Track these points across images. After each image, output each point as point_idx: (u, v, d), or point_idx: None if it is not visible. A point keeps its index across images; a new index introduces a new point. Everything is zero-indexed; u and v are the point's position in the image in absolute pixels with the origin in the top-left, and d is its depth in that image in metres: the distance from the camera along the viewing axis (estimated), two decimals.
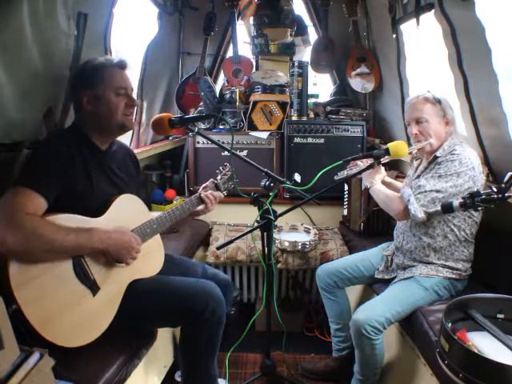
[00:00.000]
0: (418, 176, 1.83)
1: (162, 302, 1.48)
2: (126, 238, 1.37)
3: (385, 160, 1.86)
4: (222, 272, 1.88)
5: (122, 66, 1.50)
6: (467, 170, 1.64)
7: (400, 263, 1.89)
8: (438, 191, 1.65)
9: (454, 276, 1.74)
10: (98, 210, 1.39)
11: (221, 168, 1.88)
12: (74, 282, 1.27)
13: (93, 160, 1.46)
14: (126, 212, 1.48)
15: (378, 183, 1.89)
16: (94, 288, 1.31)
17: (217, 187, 1.80)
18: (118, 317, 1.37)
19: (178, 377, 1.95)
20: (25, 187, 1.22)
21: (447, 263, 1.75)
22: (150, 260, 1.56)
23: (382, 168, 1.93)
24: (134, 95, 1.57)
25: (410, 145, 1.78)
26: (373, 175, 1.89)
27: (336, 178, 1.98)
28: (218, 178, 1.84)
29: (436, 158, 1.74)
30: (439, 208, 1.60)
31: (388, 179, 2.10)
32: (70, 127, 1.54)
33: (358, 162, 1.96)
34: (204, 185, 1.80)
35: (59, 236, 1.20)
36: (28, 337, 1.12)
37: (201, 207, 1.74)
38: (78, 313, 1.26)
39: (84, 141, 1.47)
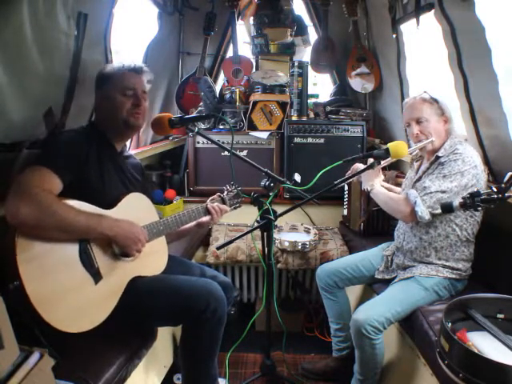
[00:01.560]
0: (420, 177, 1.83)
1: (164, 300, 1.48)
2: (134, 230, 1.39)
3: (384, 164, 1.86)
4: (221, 274, 1.88)
5: (135, 70, 1.57)
6: (470, 169, 1.65)
7: (400, 263, 1.89)
8: (443, 192, 1.65)
9: (454, 276, 1.74)
10: (107, 205, 1.42)
11: (227, 185, 1.90)
12: (78, 267, 1.28)
13: (108, 157, 1.51)
14: (135, 209, 1.51)
15: (378, 186, 1.89)
16: (96, 276, 1.33)
17: (223, 202, 1.83)
18: (120, 314, 1.37)
19: (176, 380, 1.95)
20: (43, 166, 1.27)
21: (448, 263, 1.75)
22: (153, 260, 1.58)
23: (380, 168, 1.91)
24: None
25: (409, 146, 1.78)
26: (373, 178, 1.88)
27: (335, 183, 1.96)
28: (225, 193, 1.86)
29: (438, 158, 1.75)
30: None
31: (386, 185, 2.09)
32: (88, 125, 1.60)
33: (357, 166, 1.95)
34: (211, 197, 1.82)
35: (71, 214, 1.24)
36: (25, 316, 1.12)
37: (206, 218, 1.77)
38: (77, 298, 1.27)
39: (102, 139, 1.53)
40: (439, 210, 1.64)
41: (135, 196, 1.55)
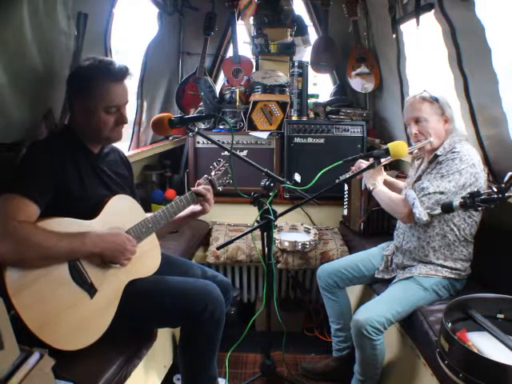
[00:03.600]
0: (420, 176, 1.83)
1: (161, 302, 1.48)
2: (119, 240, 1.35)
3: (385, 162, 1.86)
4: (221, 274, 1.86)
5: (118, 78, 1.41)
6: (468, 168, 1.64)
7: (399, 263, 1.89)
8: (441, 193, 1.65)
9: (453, 276, 1.74)
10: (92, 212, 1.37)
11: (214, 164, 1.85)
12: (71, 286, 1.26)
13: (85, 162, 1.44)
14: (121, 212, 1.47)
15: (380, 185, 1.88)
16: (91, 290, 1.31)
17: (211, 183, 1.78)
18: (118, 318, 1.36)
19: (176, 380, 1.95)
20: (15, 194, 1.20)
21: (446, 263, 1.75)
22: (146, 260, 1.54)
23: (382, 167, 1.91)
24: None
25: (409, 145, 1.78)
26: (374, 177, 1.88)
27: (337, 181, 1.96)
28: (212, 173, 1.81)
29: (436, 156, 1.74)
30: None
31: (390, 179, 2.10)
32: (64, 128, 1.52)
33: (360, 162, 1.95)
34: (198, 181, 1.78)
35: (52, 242, 1.19)
36: (28, 340, 1.10)
37: (198, 208, 1.73)
38: (76, 316, 1.25)
39: (77, 143, 1.45)
40: (438, 211, 1.65)
41: (118, 198, 1.48)
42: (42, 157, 1.31)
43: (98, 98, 1.38)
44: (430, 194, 1.67)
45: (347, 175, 1.96)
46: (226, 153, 1.67)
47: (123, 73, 1.42)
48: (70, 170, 1.36)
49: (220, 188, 1.81)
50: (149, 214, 1.56)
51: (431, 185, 1.68)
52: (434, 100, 1.74)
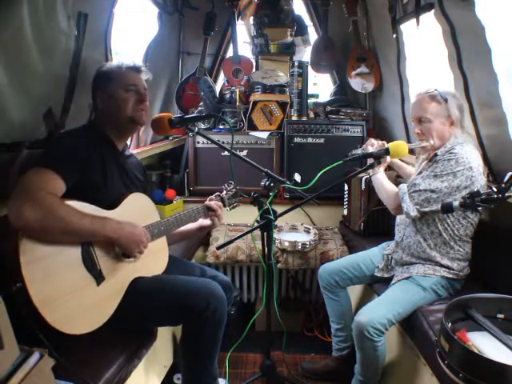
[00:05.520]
0: (420, 172, 1.82)
1: (164, 299, 1.48)
2: (137, 232, 1.39)
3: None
4: (221, 274, 1.88)
5: (135, 69, 1.57)
6: (464, 170, 1.63)
7: (399, 259, 1.89)
8: (432, 191, 1.65)
9: (451, 276, 1.74)
10: (109, 206, 1.42)
11: (226, 185, 1.92)
12: (81, 269, 1.28)
13: (110, 157, 1.52)
14: (136, 210, 1.52)
15: (380, 171, 1.88)
16: (98, 278, 1.33)
17: (222, 201, 1.84)
18: (120, 313, 1.37)
19: (176, 379, 1.95)
20: (47, 168, 1.26)
21: (443, 262, 1.75)
22: (154, 260, 1.58)
23: (388, 156, 1.87)
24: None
25: (409, 142, 1.78)
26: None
27: (350, 153, 1.91)
28: (224, 193, 1.87)
29: (436, 155, 1.74)
30: (433, 208, 1.64)
31: (398, 162, 2.11)
32: (86, 125, 1.59)
33: (373, 140, 1.90)
34: (209, 197, 1.83)
35: (75, 219, 1.23)
36: (27, 317, 1.12)
37: (207, 222, 1.79)
38: (80, 300, 1.26)
39: (102, 138, 1.53)
40: (427, 209, 1.67)
41: (137, 196, 1.55)
42: (73, 140, 1.43)
43: (116, 81, 1.52)
44: (420, 190, 1.68)
45: (358, 151, 1.92)
46: (226, 153, 1.67)
47: (138, 65, 1.59)
48: (94, 160, 1.43)
49: (228, 208, 1.89)
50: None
51: (423, 182, 1.68)
52: (444, 100, 1.68)
